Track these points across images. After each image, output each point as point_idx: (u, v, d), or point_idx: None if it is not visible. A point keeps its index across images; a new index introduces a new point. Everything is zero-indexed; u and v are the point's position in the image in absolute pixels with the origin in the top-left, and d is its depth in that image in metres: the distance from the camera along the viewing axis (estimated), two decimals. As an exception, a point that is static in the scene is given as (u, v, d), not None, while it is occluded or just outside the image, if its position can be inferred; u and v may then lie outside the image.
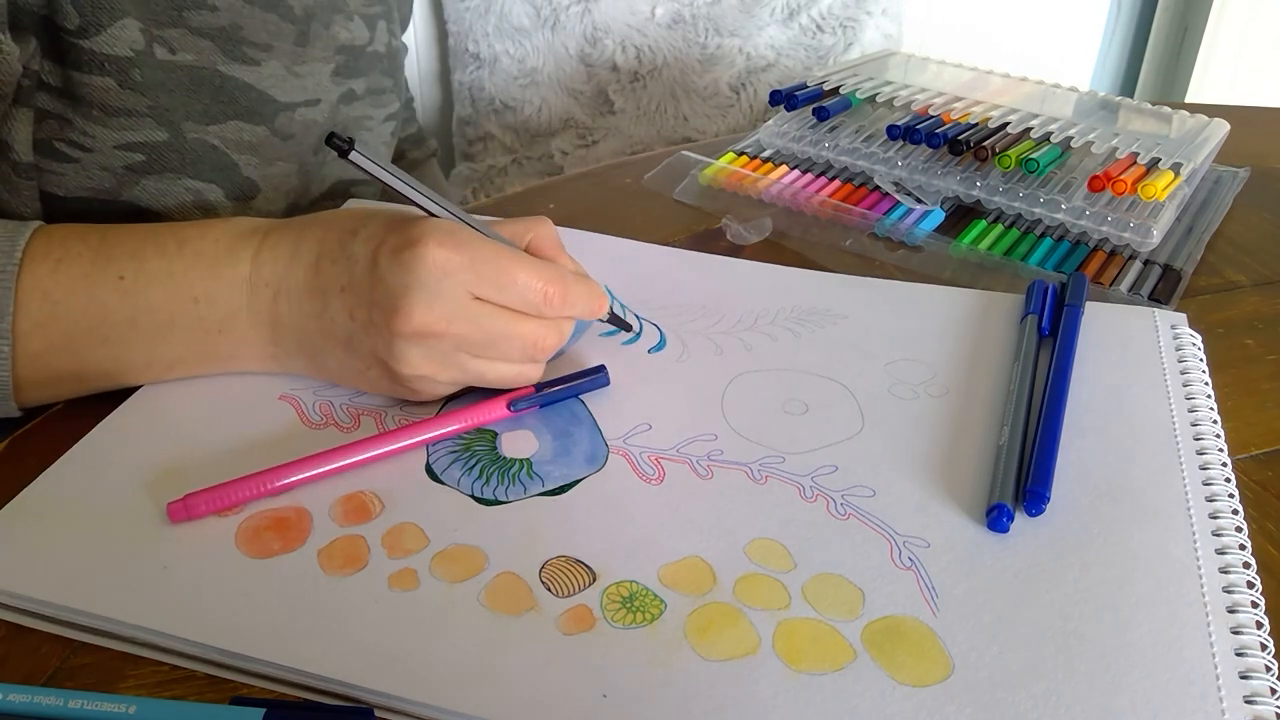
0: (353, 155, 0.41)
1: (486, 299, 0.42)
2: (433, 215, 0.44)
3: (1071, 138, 0.65)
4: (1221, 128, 0.69)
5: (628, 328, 0.51)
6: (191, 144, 0.52)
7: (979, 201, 0.65)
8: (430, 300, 0.41)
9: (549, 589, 0.37)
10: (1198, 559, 0.38)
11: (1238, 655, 0.34)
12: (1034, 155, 0.63)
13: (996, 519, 0.39)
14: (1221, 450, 0.43)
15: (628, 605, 0.36)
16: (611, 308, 0.48)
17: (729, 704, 0.33)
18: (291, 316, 0.45)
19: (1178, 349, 0.50)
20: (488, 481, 0.42)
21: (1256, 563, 0.38)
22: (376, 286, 0.42)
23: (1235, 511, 0.40)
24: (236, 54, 0.52)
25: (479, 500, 0.41)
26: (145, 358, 0.45)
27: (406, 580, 0.37)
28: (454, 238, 0.42)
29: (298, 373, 0.47)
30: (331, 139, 0.41)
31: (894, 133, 0.68)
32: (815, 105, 0.72)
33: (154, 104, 0.50)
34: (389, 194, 0.43)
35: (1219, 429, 0.45)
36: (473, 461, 0.43)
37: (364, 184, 0.67)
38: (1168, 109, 0.72)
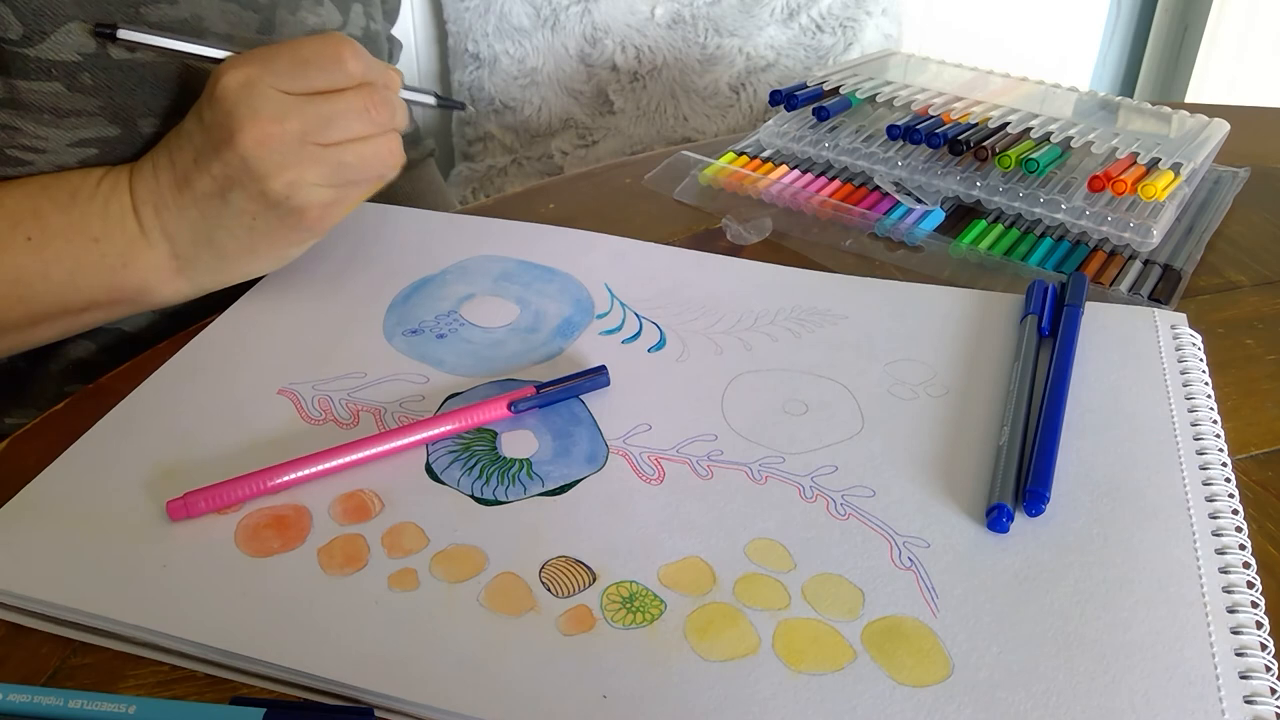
0: (121, 33, 0.45)
1: (295, 90, 0.45)
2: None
3: (1071, 138, 0.65)
4: (1221, 128, 0.69)
5: (459, 105, 0.56)
6: (147, 137, 0.52)
7: (979, 201, 0.65)
8: (250, 113, 0.44)
9: (549, 589, 0.37)
10: (1198, 559, 0.38)
11: (1238, 655, 0.34)
12: (1034, 155, 0.63)
13: (996, 519, 0.39)
14: (1221, 450, 0.43)
15: (628, 605, 0.36)
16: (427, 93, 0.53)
17: (729, 704, 0.33)
18: (175, 220, 0.48)
19: (1178, 349, 0.50)
20: (488, 481, 0.42)
21: (1256, 563, 0.38)
22: (210, 134, 0.45)
23: (1235, 511, 0.40)
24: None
25: (479, 500, 0.41)
26: (59, 307, 0.48)
27: (406, 580, 0.37)
28: (241, 58, 0.45)
29: (208, 281, 0.50)
30: (97, 30, 0.45)
31: (894, 133, 0.68)
32: (815, 105, 0.72)
33: (106, 104, 0.50)
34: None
35: (1219, 429, 0.45)
36: (473, 461, 0.43)
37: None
38: (1168, 109, 0.72)
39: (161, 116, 0.52)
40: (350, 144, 0.46)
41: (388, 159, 0.48)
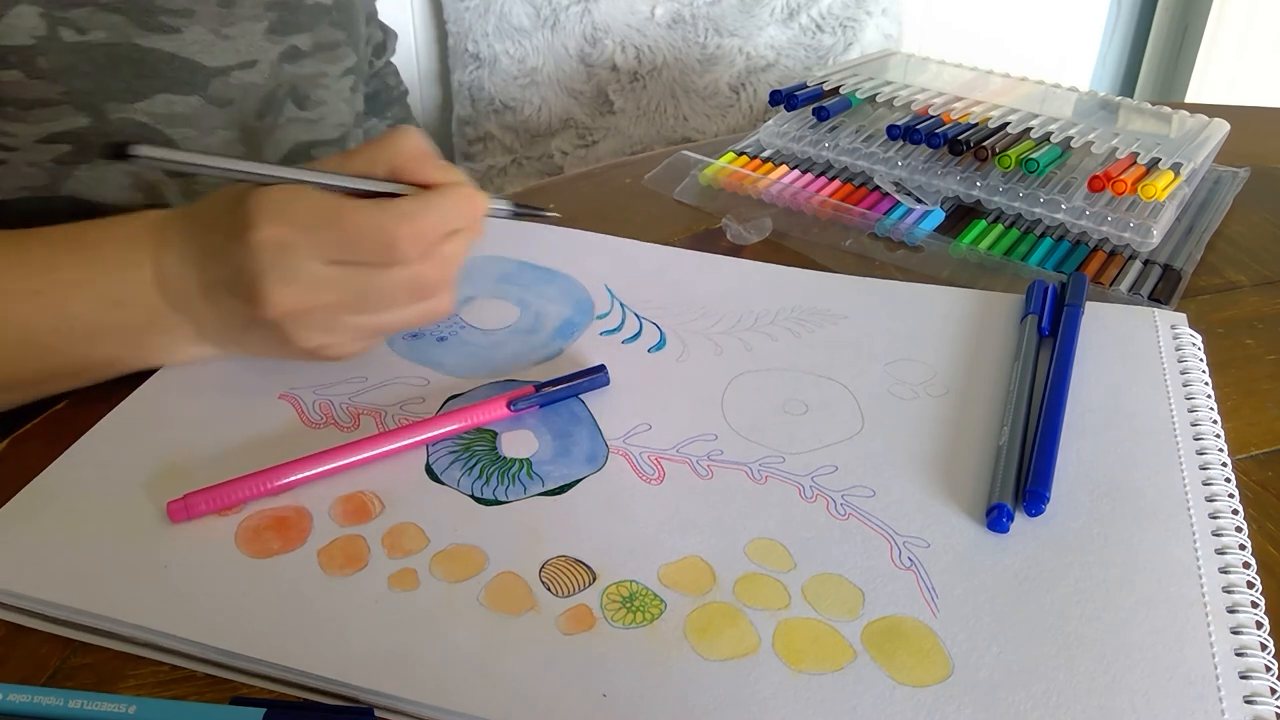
0: (140, 151, 0.38)
1: (339, 260, 0.40)
2: (266, 183, 0.41)
3: (1071, 138, 0.65)
4: (1221, 128, 0.69)
5: (534, 213, 0.48)
6: (117, 125, 0.50)
7: (979, 201, 0.65)
8: (280, 281, 0.40)
9: (549, 589, 0.37)
10: (1198, 559, 0.38)
11: (1238, 655, 0.34)
12: (1034, 155, 0.63)
13: (996, 519, 0.39)
14: (1221, 450, 0.43)
15: (628, 605, 0.36)
16: (508, 203, 0.46)
17: (729, 704, 0.33)
18: (203, 312, 0.44)
19: (1178, 349, 0.50)
20: (488, 481, 0.42)
21: (1256, 563, 0.38)
22: (238, 279, 0.41)
23: (1235, 511, 0.40)
24: (152, 24, 0.50)
25: (479, 500, 0.41)
26: (80, 362, 0.45)
27: (406, 580, 0.37)
28: (284, 210, 0.40)
29: (239, 355, 0.47)
30: (105, 150, 0.38)
31: (894, 133, 0.68)
32: (815, 105, 0.72)
33: (69, 89, 0.48)
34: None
35: (1219, 429, 0.45)
36: (473, 461, 0.43)
37: (327, 144, 0.64)
38: (1168, 109, 0.72)
39: (128, 99, 0.49)
40: (390, 314, 0.43)
41: (434, 318, 0.44)
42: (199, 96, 0.52)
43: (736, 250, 0.61)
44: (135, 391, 0.46)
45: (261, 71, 0.56)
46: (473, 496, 0.41)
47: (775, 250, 0.62)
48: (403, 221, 0.40)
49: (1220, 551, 0.38)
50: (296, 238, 0.39)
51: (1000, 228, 0.63)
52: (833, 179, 0.69)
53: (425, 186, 0.42)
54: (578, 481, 0.42)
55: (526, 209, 0.47)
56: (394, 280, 0.41)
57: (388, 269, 0.41)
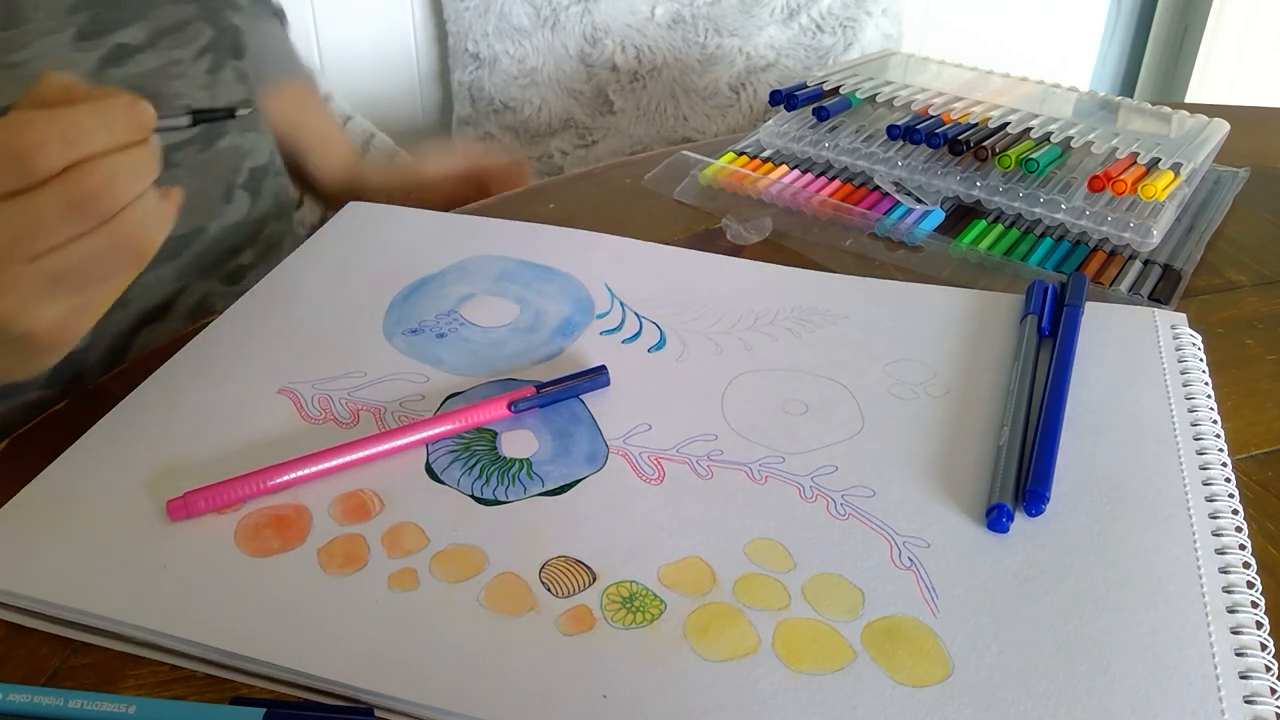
0: None
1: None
2: None
3: (1071, 138, 0.65)
4: (1221, 128, 0.69)
5: (215, 117, 0.43)
6: None
7: (979, 201, 0.65)
8: None
9: (549, 589, 0.37)
10: (1198, 559, 0.38)
11: (1238, 655, 0.34)
12: (1034, 155, 0.63)
13: (996, 519, 0.39)
14: (1221, 450, 0.43)
15: (628, 605, 0.36)
16: (183, 114, 0.41)
17: (729, 704, 0.33)
18: None
19: (1178, 349, 0.50)
20: (488, 481, 0.42)
21: (1256, 563, 0.38)
22: None
23: (1235, 511, 0.40)
24: None
25: (479, 500, 0.41)
26: None
27: (406, 580, 0.37)
28: None
29: None
30: None
31: (894, 133, 0.68)
32: (815, 105, 0.72)
33: None
34: None
35: (1219, 429, 0.45)
36: (473, 461, 0.43)
37: (190, 144, 0.57)
38: (1168, 109, 0.72)
39: None
40: (64, 249, 0.36)
41: (126, 249, 0.37)
42: None
43: (736, 250, 0.61)
44: (135, 391, 0.46)
45: None
46: (473, 496, 0.41)
47: (775, 250, 0.62)
48: (26, 125, 0.34)
49: (1220, 551, 0.38)
50: None
51: (1000, 228, 0.63)
52: (833, 179, 0.69)
53: None
54: (578, 481, 0.42)
55: (206, 114, 0.42)
56: (44, 202, 0.35)
57: (33, 197, 0.35)
